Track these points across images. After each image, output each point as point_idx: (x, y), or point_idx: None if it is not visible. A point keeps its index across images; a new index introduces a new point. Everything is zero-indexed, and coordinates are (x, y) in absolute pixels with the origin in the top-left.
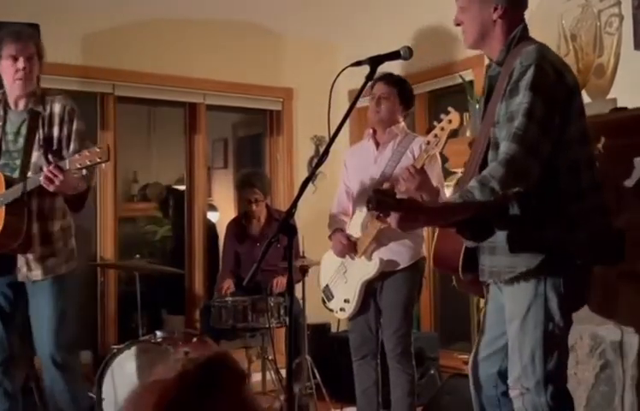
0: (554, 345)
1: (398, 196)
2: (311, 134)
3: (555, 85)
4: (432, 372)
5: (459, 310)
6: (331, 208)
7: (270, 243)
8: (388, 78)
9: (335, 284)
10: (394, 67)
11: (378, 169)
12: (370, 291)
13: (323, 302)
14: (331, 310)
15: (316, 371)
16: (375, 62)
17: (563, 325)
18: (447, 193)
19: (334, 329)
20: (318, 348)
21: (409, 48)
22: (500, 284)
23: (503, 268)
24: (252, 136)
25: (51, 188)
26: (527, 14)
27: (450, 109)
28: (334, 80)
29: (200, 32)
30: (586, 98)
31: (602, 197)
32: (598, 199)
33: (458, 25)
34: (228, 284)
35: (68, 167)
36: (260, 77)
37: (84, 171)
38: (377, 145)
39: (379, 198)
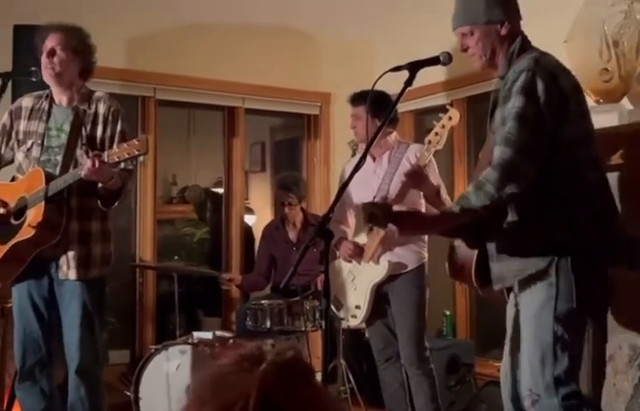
0: (564, 348)
1: (395, 207)
2: (348, 138)
3: (548, 88)
4: (468, 379)
5: (496, 317)
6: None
7: (307, 247)
8: (354, 98)
9: (345, 292)
10: (433, 72)
11: (377, 179)
12: (381, 295)
13: (332, 312)
14: (342, 319)
15: (350, 375)
16: (414, 67)
17: (575, 327)
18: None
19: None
20: (353, 353)
21: (448, 53)
22: (516, 291)
23: (511, 273)
24: (290, 140)
25: (91, 178)
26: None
27: (448, 106)
28: (373, 86)
29: (240, 37)
30: (628, 105)
31: (610, 197)
32: (604, 200)
33: (464, 50)
34: (235, 276)
35: (106, 160)
36: (299, 81)
37: (122, 165)
38: (374, 158)
39: (370, 211)
